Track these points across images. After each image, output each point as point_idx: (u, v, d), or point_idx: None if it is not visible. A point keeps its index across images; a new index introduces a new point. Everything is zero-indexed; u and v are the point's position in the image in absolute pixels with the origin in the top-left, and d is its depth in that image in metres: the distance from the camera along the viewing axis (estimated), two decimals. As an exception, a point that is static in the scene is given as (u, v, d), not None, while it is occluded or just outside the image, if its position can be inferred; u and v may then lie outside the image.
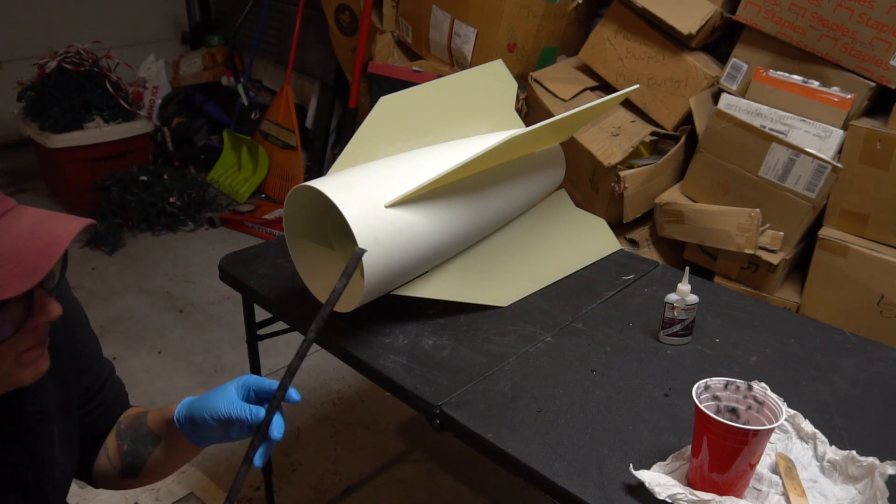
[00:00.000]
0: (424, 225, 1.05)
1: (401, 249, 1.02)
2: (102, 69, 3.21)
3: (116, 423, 0.95)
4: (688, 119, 1.99)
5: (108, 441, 0.94)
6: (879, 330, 1.68)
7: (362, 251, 0.80)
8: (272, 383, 0.83)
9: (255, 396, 0.85)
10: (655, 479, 0.79)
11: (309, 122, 3.36)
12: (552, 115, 1.49)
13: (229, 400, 0.83)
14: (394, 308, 1.15)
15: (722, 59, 2.04)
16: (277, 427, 0.80)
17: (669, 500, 0.77)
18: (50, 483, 0.84)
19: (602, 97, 1.45)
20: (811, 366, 1.06)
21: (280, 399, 0.80)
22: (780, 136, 1.74)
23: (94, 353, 0.93)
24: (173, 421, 0.87)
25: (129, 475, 0.94)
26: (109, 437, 0.94)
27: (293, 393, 0.80)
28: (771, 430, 0.76)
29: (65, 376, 0.85)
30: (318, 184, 0.99)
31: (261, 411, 0.81)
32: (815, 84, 1.77)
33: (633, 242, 2.03)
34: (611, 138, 1.99)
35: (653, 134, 2.05)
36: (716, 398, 0.80)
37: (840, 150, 1.73)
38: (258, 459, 0.81)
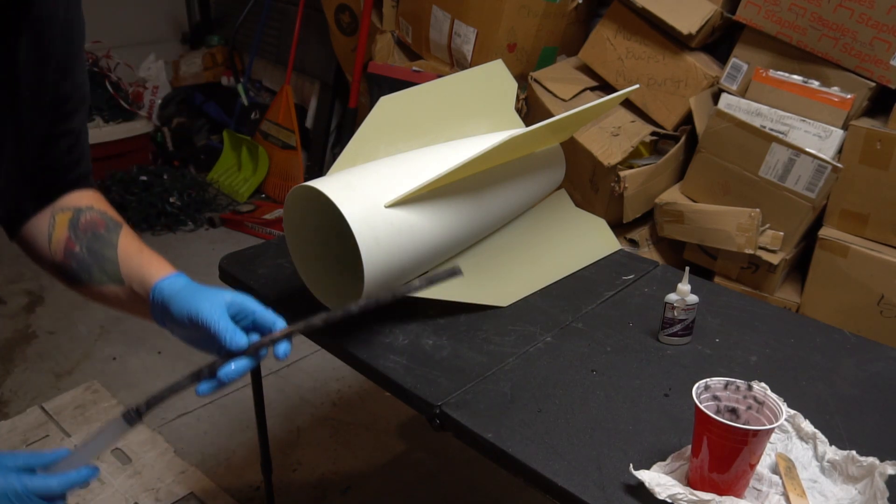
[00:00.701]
0: (424, 225, 1.05)
1: (401, 249, 1.02)
2: (102, 69, 3.21)
3: (76, 211, 0.83)
4: (688, 119, 1.99)
5: (59, 220, 0.82)
6: (879, 330, 1.68)
7: (459, 271, 0.75)
8: (271, 318, 0.74)
9: (253, 324, 0.75)
10: (655, 479, 0.79)
11: (309, 122, 3.36)
12: (552, 115, 1.49)
13: (216, 309, 0.73)
14: (394, 308, 1.15)
15: (722, 59, 2.04)
16: (235, 369, 0.71)
17: (669, 500, 0.77)
18: None
19: (602, 97, 1.45)
20: (811, 366, 1.06)
21: (268, 343, 0.72)
22: (780, 136, 1.74)
23: (80, 68, 0.80)
24: (148, 289, 0.77)
25: (64, 276, 0.82)
26: (61, 217, 0.82)
27: (283, 346, 0.73)
28: (771, 430, 0.76)
29: (45, 61, 0.73)
30: (318, 184, 0.99)
31: (241, 340, 0.72)
32: (815, 84, 1.77)
33: (633, 242, 2.03)
34: (611, 138, 1.99)
35: (653, 134, 2.05)
36: (716, 398, 0.80)
37: (840, 150, 1.73)
38: (204, 387, 0.72)
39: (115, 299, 0.82)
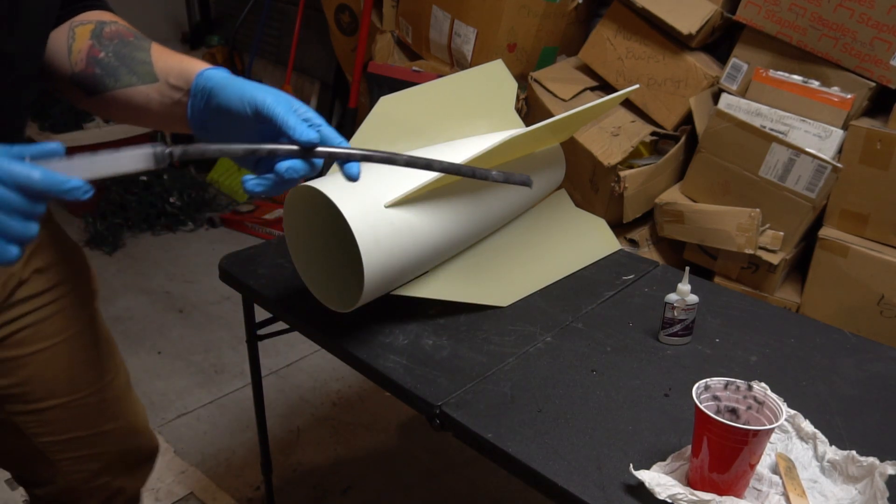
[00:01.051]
0: (424, 225, 1.05)
1: (401, 249, 1.02)
2: (102, 69, 3.21)
3: (98, 23, 0.78)
4: (688, 119, 1.99)
5: (79, 31, 0.77)
6: (879, 330, 1.68)
7: (529, 182, 0.70)
8: (337, 137, 0.67)
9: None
10: (655, 479, 0.79)
11: (309, 122, 3.36)
12: (552, 115, 1.49)
13: (283, 103, 0.65)
14: (394, 308, 1.15)
15: (722, 59, 2.05)
16: (295, 168, 0.64)
17: (669, 500, 0.77)
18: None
19: (602, 97, 1.45)
20: (811, 366, 1.06)
21: (343, 156, 0.65)
22: (780, 136, 1.74)
23: None
24: (190, 79, 0.71)
25: (84, 86, 0.77)
26: (82, 29, 0.77)
27: (356, 166, 0.66)
28: (771, 431, 0.76)
29: None
30: (318, 184, 0.99)
31: (313, 135, 0.65)
32: (816, 84, 1.77)
33: (633, 242, 2.03)
34: (611, 138, 1.99)
35: (653, 134, 2.05)
36: (716, 398, 0.80)
37: (840, 150, 1.73)
38: (254, 182, 0.64)
39: (142, 102, 0.76)
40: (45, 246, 0.92)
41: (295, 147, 0.64)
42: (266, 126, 0.66)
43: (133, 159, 0.60)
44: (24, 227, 0.55)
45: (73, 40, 0.76)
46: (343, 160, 0.67)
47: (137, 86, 0.75)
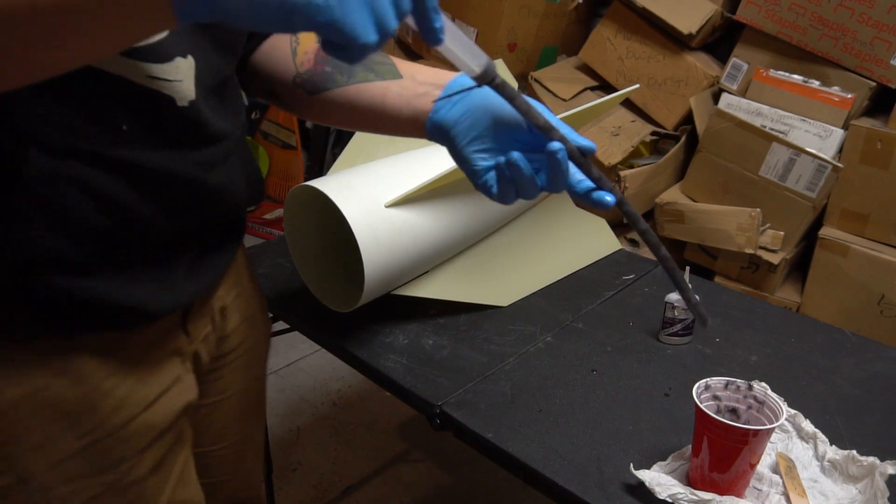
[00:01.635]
0: (424, 225, 1.05)
1: (401, 249, 1.02)
2: (102, 69, 3.21)
3: None
4: (688, 119, 1.99)
5: (303, 36, 0.76)
6: (880, 329, 1.68)
7: (706, 321, 0.72)
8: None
9: None
10: (656, 478, 0.79)
11: (309, 122, 3.36)
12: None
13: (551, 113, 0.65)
14: (394, 308, 1.15)
15: (722, 58, 2.05)
16: (563, 154, 0.63)
17: (670, 500, 0.77)
18: None
19: (602, 97, 1.45)
20: (811, 365, 1.06)
21: (609, 186, 0.65)
22: (781, 135, 1.74)
23: None
24: (445, 79, 0.69)
25: (307, 86, 0.76)
26: (307, 36, 0.76)
27: (611, 196, 0.65)
28: (771, 430, 0.76)
29: None
30: (318, 183, 0.99)
31: (592, 144, 0.66)
32: (816, 84, 1.77)
33: (633, 242, 2.03)
34: (611, 138, 1.99)
35: (653, 134, 2.05)
36: (716, 398, 0.80)
37: (840, 150, 1.73)
38: (517, 155, 0.64)
39: (374, 98, 0.75)
40: (244, 298, 0.92)
41: (576, 147, 0.65)
42: (525, 133, 0.66)
43: (475, 54, 0.60)
44: (391, 15, 0.50)
45: (298, 44, 0.77)
46: (603, 188, 0.66)
47: (374, 81, 0.74)
